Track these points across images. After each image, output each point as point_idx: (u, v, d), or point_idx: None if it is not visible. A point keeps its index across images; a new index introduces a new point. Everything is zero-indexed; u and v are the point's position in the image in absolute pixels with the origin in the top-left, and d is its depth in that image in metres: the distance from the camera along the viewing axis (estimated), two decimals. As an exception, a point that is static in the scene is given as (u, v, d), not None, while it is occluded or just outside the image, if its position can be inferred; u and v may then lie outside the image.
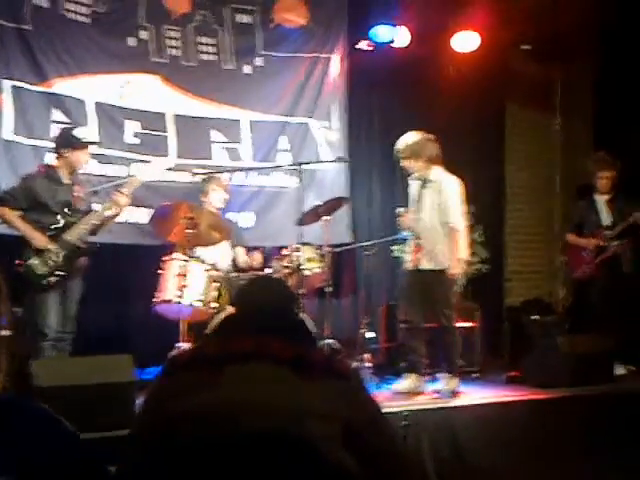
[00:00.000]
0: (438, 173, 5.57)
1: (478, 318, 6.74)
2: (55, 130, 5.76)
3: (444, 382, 5.46)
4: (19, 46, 5.85)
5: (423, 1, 7.14)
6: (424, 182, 5.59)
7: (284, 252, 5.92)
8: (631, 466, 4.43)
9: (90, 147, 5.33)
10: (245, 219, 6.72)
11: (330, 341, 5.72)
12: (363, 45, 7.12)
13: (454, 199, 5.50)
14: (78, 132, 5.24)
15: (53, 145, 5.32)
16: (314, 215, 5.96)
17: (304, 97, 7.00)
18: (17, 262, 4.87)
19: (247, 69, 6.83)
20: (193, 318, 5.42)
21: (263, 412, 1.88)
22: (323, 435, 1.87)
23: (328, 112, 7.08)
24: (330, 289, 5.87)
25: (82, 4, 6.15)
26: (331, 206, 6.05)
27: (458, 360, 5.57)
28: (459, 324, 5.77)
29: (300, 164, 5.74)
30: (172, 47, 6.56)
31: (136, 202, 5.95)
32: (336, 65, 7.11)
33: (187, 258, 5.39)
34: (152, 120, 6.41)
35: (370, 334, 6.22)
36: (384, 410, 2.14)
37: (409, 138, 5.59)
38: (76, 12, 6.12)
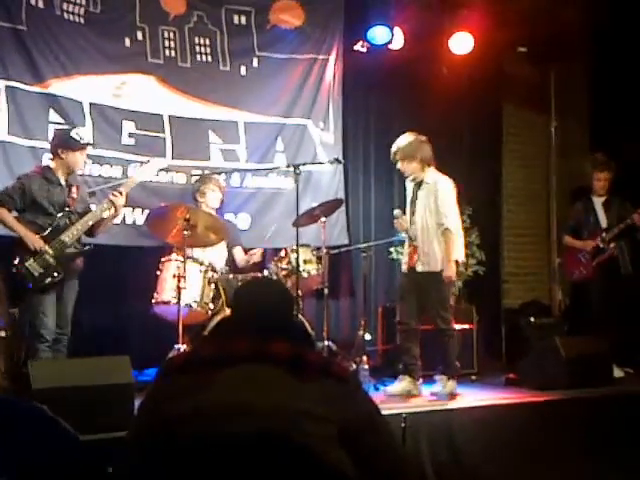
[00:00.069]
0: (432, 175, 5.57)
1: (475, 320, 6.74)
2: (53, 131, 5.75)
3: (442, 384, 5.45)
4: (15, 46, 5.83)
5: (419, 3, 7.15)
6: (419, 184, 5.59)
7: (281, 254, 5.92)
8: (630, 469, 4.43)
9: (88, 148, 5.31)
10: (241, 221, 6.70)
11: (327, 343, 5.72)
12: (359, 47, 7.12)
13: (448, 200, 5.49)
14: (75, 133, 5.21)
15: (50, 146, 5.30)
16: (311, 217, 5.96)
17: (301, 98, 6.99)
18: (13, 264, 4.84)
19: (243, 70, 6.81)
20: (190, 319, 5.41)
21: (260, 413, 1.88)
22: (319, 436, 1.88)
23: (325, 113, 7.07)
24: (327, 291, 5.87)
25: (76, 4, 6.13)
26: (327, 208, 6.06)
27: (456, 362, 5.56)
28: (456, 326, 5.76)
29: (296, 166, 5.72)
30: (168, 48, 6.53)
31: (133, 203, 5.95)
32: (332, 66, 7.10)
33: (184, 259, 5.37)
34: (148, 121, 6.39)
35: (367, 336, 6.22)
36: (382, 412, 2.13)
37: (402, 140, 5.60)
38: (71, 12, 6.10)
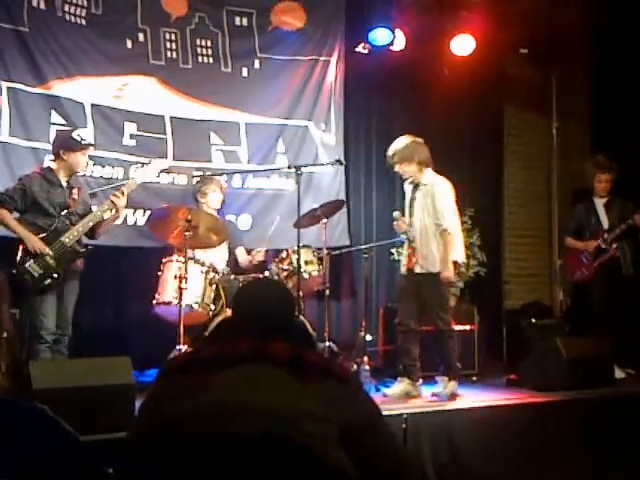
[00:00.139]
0: (430, 176, 5.57)
1: (476, 321, 6.74)
2: (54, 132, 5.75)
3: (442, 385, 5.44)
4: (16, 47, 5.84)
5: (420, 5, 7.15)
6: (416, 186, 5.60)
7: (282, 255, 5.92)
8: (630, 470, 4.42)
9: (89, 149, 5.32)
10: (242, 222, 6.71)
11: (329, 343, 5.72)
12: (360, 48, 7.12)
13: (445, 201, 5.49)
14: (77, 134, 5.22)
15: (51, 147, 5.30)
16: (312, 218, 5.96)
17: (303, 99, 6.99)
18: (14, 264, 4.85)
19: (245, 72, 6.82)
20: (192, 320, 5.41)
21: (261, 414, 1.88)
22: (320, 437, 1.87)
23: (326, 115, 7.07)
24: (328, 292, 5.87)
25: (78, 6, 6.13)
26: (329, 209, 6.06)
27: (456, 363, 5.56)
28: (457, 327, 5.75)
29: (297, 167, 5.72)
30: (169, 49, 6.54)
31: (134, 204, 5.96)
32: (334, 68, 7.11)
33: (185, 260, 5.37)
34: (150, 122, 6.39)
35: (368, 337, 6.22)
36: (383, 413, 2.13)
37: (399, 143, 5.59)
38: (73, 14, 6.11)
